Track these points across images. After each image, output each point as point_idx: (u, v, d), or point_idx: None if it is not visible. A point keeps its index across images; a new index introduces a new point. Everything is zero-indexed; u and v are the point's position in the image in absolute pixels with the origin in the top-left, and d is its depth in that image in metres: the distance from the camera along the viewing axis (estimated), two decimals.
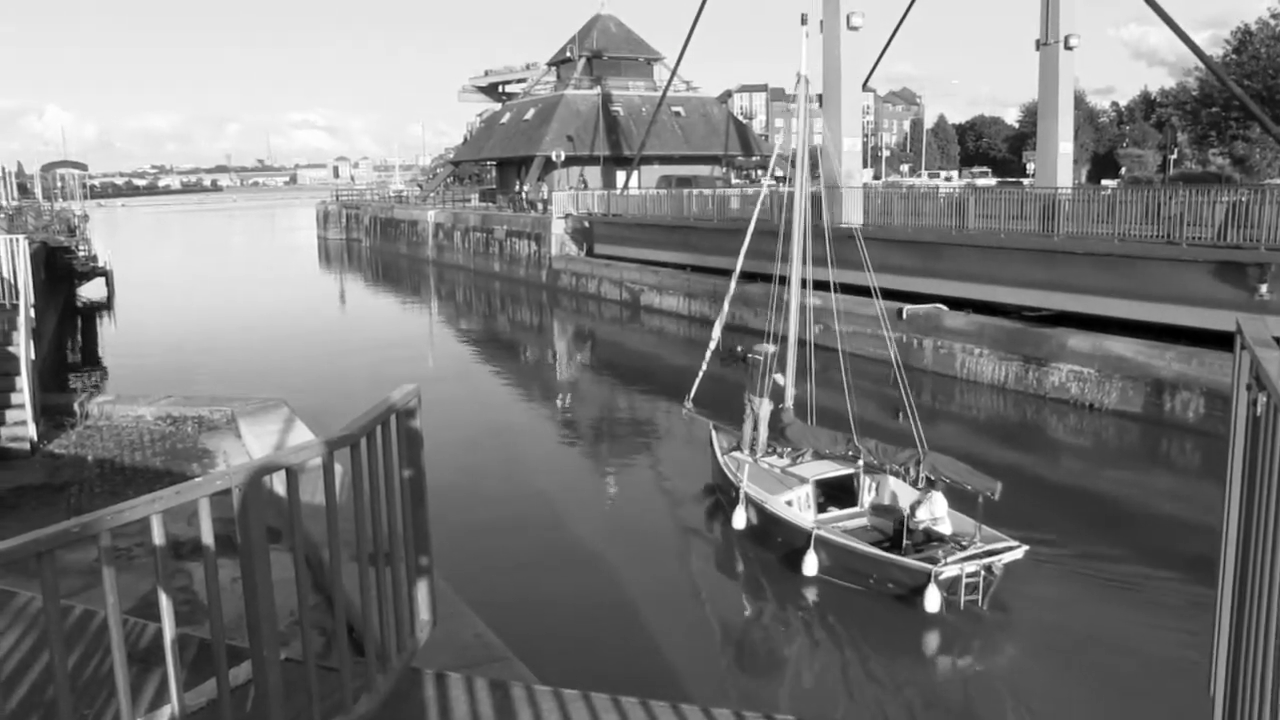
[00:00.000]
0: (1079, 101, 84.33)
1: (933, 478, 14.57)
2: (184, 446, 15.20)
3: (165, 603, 3.72)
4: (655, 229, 42.89)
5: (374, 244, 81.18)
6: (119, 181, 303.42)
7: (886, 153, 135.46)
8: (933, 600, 12.71)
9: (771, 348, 17.82)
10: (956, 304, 28.20)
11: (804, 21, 19.27)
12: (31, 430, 15.24)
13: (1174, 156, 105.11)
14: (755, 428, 17.58)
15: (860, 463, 15.71)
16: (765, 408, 17.53)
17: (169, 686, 3.84)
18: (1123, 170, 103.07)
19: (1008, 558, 13.12)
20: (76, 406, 17.27)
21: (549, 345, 39.07)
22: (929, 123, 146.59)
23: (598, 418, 26.29)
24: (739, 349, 20.07)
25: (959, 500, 14.54)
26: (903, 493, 15.41)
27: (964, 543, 13.63)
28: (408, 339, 40.64)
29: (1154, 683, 11.50)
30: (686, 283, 39.21)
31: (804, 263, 18.50)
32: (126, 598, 5.98)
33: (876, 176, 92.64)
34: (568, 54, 71.38)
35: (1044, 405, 24.16)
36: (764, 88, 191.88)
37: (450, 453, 19.82)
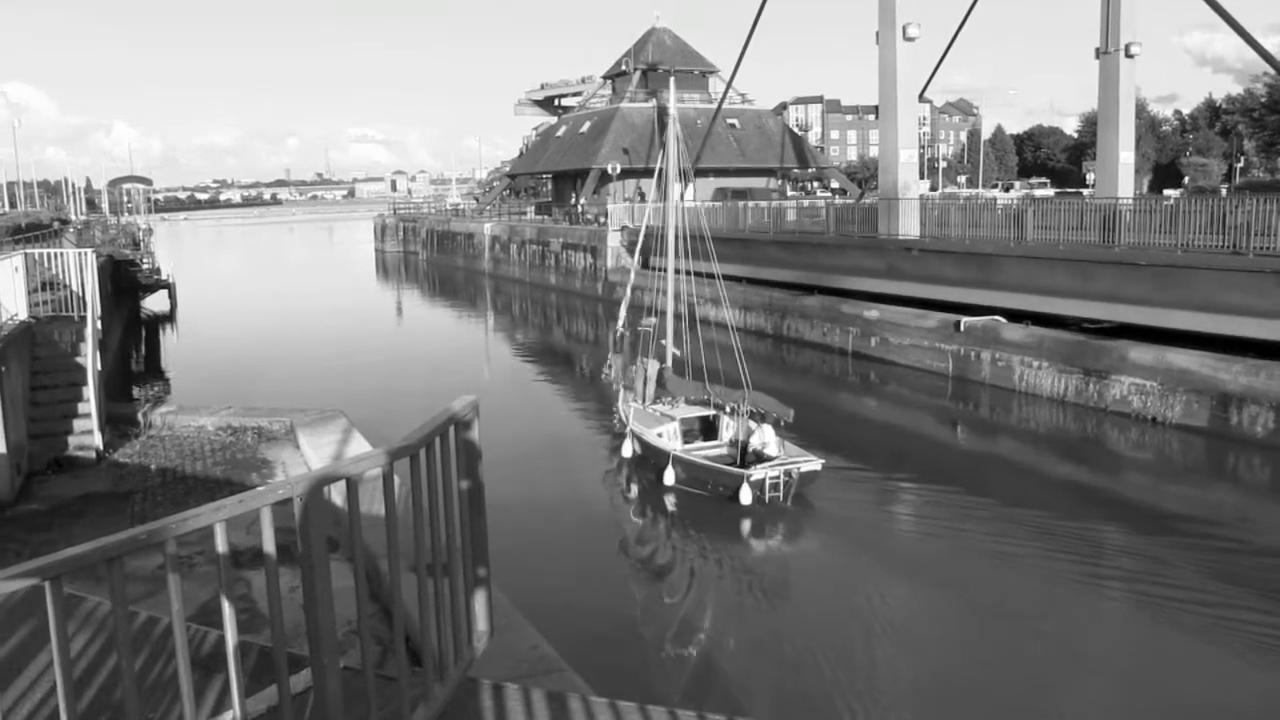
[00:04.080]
0: (1140, 110, 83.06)
1: (752, 410, 19.44)
2: (244, 456, 15.43)
3: (228, 610, 3.77)
4: (711, 241, 42.78)
5: (431, 257, 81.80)
6: (182, 196, 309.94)
7: (943, 164, 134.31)
8: (745, 496, 17.41)
9: (654, 320, 23.11)
10: (1015, 316, 27.83)
11: (672, 73, 24.24)
12: (98, 439, 15.57)
13: (1240, 165, 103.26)
14: (645, 383, 22.13)
15: (728, 408, 20.29)
16: (653, 367, 22.28)
17: (231, 692, 3.89)
18: (1186, 179, 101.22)
19: (805, 467, 17.81)
20: (140, 416, 17.60)
21: (604, 357, 39.03)
22: (986, 133, 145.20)
23: None
24: (624, 331, 24.52)
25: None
26: (754, 429, 19.60)
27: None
28: (464, 351, 40.89)
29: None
30: (742, 295, 39.12)
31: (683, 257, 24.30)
32: (187, 605, 6.08)
33: (934, 188, 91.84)
34: (623, 67, 71.70)
35: (1105, 419, 23.74)
36: (819, 99, 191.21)
37: (507, 464, 19.89)
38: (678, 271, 24.43)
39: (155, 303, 50.85)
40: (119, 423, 17.15)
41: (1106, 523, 17.67)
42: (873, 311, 31.88)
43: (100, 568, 3.29)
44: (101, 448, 15.55)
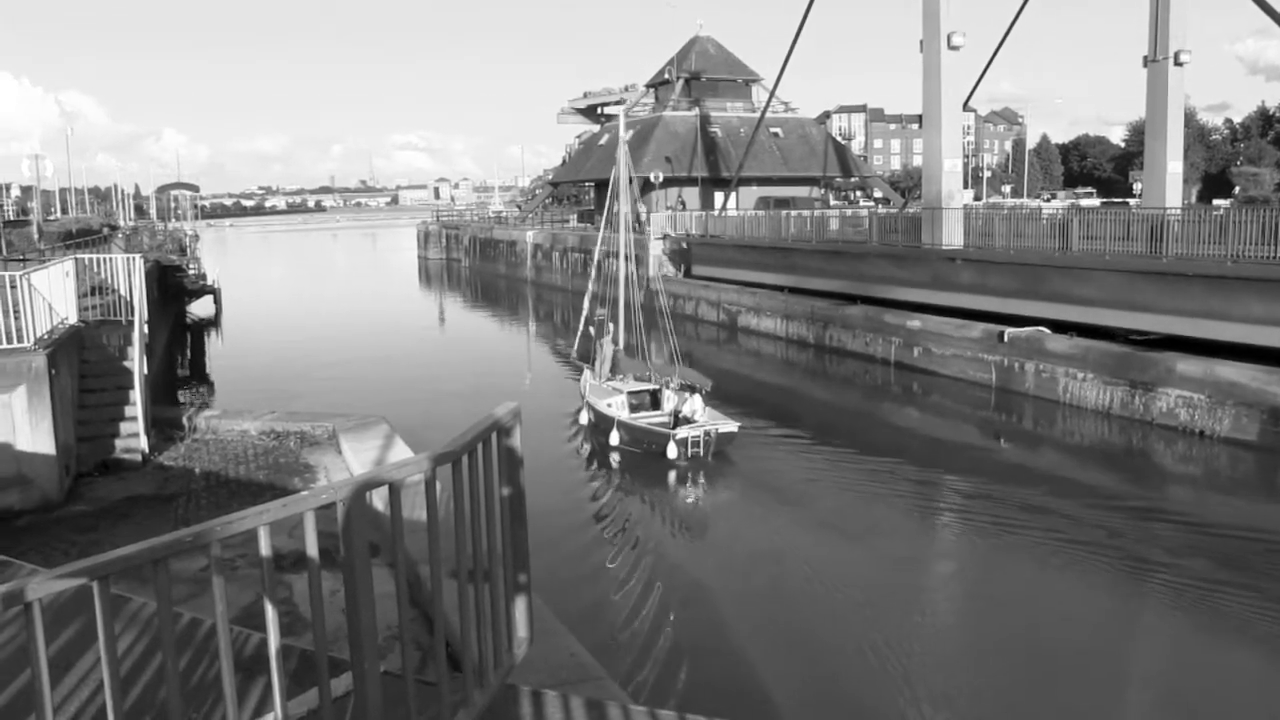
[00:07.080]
0: (1189, 119, 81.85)
1: (683, 382, 23.43)
2: (286, 461, 15.55)
3: (271, 613, 3.79)
4: (753, 250, 42.73)
5: (473, 264, 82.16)
6: (228, 202, 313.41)
7: (988, 173, 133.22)
8: (672, 452, 20.95)
9: (606, 310, 27.63)
10: (1059, 327, 27.52)
11: (625, 103, 24.82)
12: (143, 442, 15.76)
13: None
14: (601, 363, 25.98)
15: (667, 382, 24.18)
16: (608, 349, 26.08)
17: (273, 694, 3.91)
18: (1236, 189, 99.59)
19: (723, 429, 21.38)
20: (185, 420, 17.79)
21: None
22: (1031, 142, 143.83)
23: None
24: (584, 327, 28.52)
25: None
26: (687, 398, 23.13)
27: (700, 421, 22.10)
28: (505, 358, 41.00)
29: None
30: (784, 304, 39.01)
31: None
32: (230, 607, 6.11)
33: (978, 198, 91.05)
34: (666, 75, 71.61)
35: (1151, 432, 23.40)
36: (863, 108, 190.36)
37: (547, 472, 19.98)
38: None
39: (201, 308, 51.41)
40: (164, 426, 17.35)
41: (1154, 530, 17.41)
42: (915, 321, 31.65)
43: (146, 569, 3.32)
44: (147, 450, 15.74)
